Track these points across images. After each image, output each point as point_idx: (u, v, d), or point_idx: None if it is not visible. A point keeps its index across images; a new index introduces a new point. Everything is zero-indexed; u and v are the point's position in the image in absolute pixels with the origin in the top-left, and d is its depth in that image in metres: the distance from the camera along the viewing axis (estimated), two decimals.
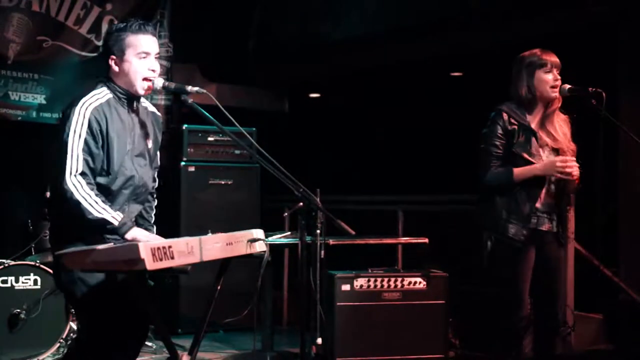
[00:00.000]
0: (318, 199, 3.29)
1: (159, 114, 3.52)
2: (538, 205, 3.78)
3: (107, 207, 3.09)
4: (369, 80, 7.02)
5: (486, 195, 3.84)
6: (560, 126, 3.84)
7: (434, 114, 6.75)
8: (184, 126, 6.10)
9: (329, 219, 3.25)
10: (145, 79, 3.23)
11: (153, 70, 3.24)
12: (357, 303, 4.76)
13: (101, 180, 3.17)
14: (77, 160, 3.09)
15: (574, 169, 3.68)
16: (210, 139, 6.19)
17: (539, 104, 3.80)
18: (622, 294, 5.47)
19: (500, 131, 3.76)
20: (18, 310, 4.72)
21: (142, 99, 3.37)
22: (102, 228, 3.12)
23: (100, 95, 3.20)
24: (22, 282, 4.76)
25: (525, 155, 3.75)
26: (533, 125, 3.79)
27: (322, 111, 7.48)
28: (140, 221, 3.42)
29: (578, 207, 5.44)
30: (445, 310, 4.83)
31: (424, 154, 6.65)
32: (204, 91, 3.23)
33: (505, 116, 3.77)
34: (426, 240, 5.16)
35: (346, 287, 4.76)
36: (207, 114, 3.21)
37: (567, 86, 3.78)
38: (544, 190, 3.78)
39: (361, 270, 4.85)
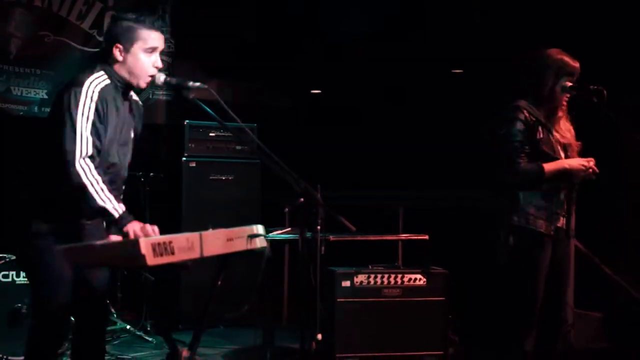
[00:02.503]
0: (319, 195, 3.29)
1: (141, 103, 3.51)
2: (560, 200, 3.78)
3: (111, 197, 3.06)
4: (371, 76, 7.01)
5: (506, 193, 3.79)
6: (565, 123, 3.85)
7: (437, 110, 6.74)
8: (186, 122, 6.11)
9: (330, 215, 3.25)
10: (149, 75, 3.24)
11: (157, 67, 3.25)
12: (357, 299, 4.76)
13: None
14: (87, 143, 3.06)
15: (595, 169, 3.73)
16: (211, 134, 6.19)
17: (551, 103, 3.78)
18: (622, 292, 5.47)
19: (522, 127, 3.70)
20: (19, 305, 4.72)
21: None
22: (97, 214, 3.10)
23: (101, 78, 3.19)
24: (23, 277, 4.76)
25: (549, 151, 3.74)
26: (548, 122, 3.79)
27: (324, 107, 7.47)
28: None
29: (578, 205, 5.44)
30: (445, 307, 4.84)
31: (426, 151, 6.64)
32: (205, 87, 3.23)
33: (525, 112, 3.73)
34: (426, 237, 5.17)
35: (346, 284, 4.76)
36: (208, 109, 3.21)
37: (568, 83, 3.79)
38: (562, 188, 3.77)
39: (361, 266, 4.86)
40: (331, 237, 4.73)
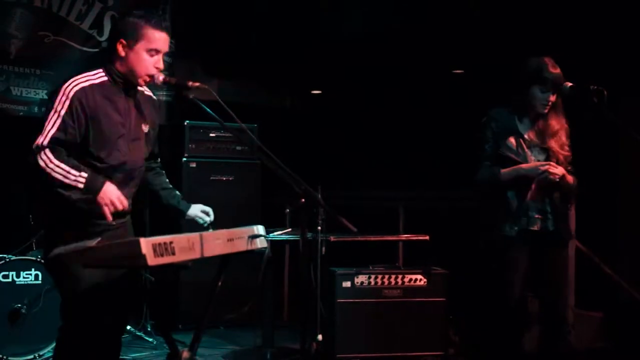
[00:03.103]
0: (319, 196, 3.29)
1: (155, 98, 3.50)
2: (527, 205, 3.82)
3: (69, 169, 3.03)
4: (371, 77, 7.01)
5: (483, 196, 3.94)
6: (556, 133, 3.90)
7: (436, 110, 6.74)
8: (186, 122, 6.10)
9: (330, 216, 3.25)
10: (148, 75, 3.23)
11: (158, 68, 3.24)
12: (357, 300, 4.76)
13: (91, 162, 3.15)
14: (47, 136, 3.06)
15: (556, 172, 3.75)
16: (211, 135, 6.19)
17: (532, 112, 3.88)
18: (623, 292, 5.47)
19: (490, 134, 3.88)
20: (19, 305, 4.72)
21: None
22: (84, 207, 3.09)
23: (94, 77, 3.18)
24: (23, 277, 4.76)
25: (513, 156, 3.83)
26: (521, 128, 3.89)
27: (324, 108, 7.47)
28: (157, 189, 3.54)
29: (578, 206, 5.44)
30: (446, 307, 4.84)
31: (426, 151, 6.64)
32: (205, 87, 3.22)
33: (493, 120, 3.89)
34: (427, 238, 5.16)
35: (347, 284, 4.76)
36: (208, 109, 3.20)
37: (569, 84, 3.79)
38: (532, 191, 3.81)
39: (362, 267, 4.85)
40: (332, 238, 4.73)
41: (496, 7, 5.99)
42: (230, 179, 6.25)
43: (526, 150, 3.86)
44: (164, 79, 3.26)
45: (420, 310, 4.80)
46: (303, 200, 3.24)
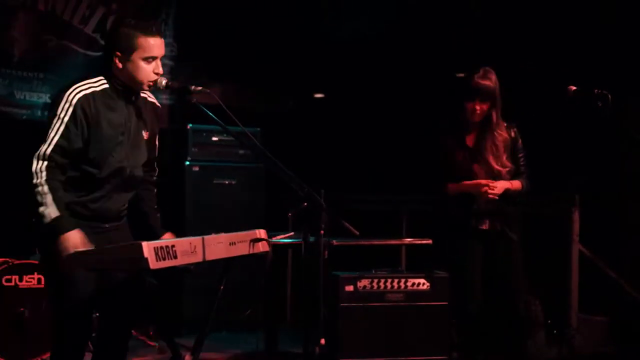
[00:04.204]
0: (322, 200, 3.29)
1: (158, 104, 3.50)
2: (475, 208, 4.26)
3: (51, 202, 3.04)
4: (373, 80, 7.00)
5: (436, 203, 4.48)
6: (495, 145, 4.24)
7: (440, 114, 6.73)
8: (189, 126, 6.10)
9: (333, 219, 3.25)
10: (150, 81, 3.24)
11: (158, 73, 3.24)
12: (360, 304, 4.75)
13: (88, 168, 3.17)
14: (50, 145, 3.08)
15: (495, 192, 4.15)
16: (214, 138, 6.18)
17: (472, 124, 4.23)
18: (627, 296, 5.46)
19: (440, 151, 4.28)
20: (22, 309, 4.72)
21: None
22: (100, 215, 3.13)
23: (95, 84, 3.19)
24: (26, 281, 4.76)
25: (461, 171, 4.22)
26: (470, 143, 4.23)
27: (327, 111, 7.46)
28: (143, 207, 3.47)
29: (582, 210, 5.43)
30: (448, 311, 4.82)
31: (429, 154, 6.62)
32: (208, 91, 3.22)
33: (442, 137, 4.30)
34: (430, 242, 5.15)
35: (349, 288, 4.75)
36: (210, 113, 3.20)
37: (572, 88, 3.78)
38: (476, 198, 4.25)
39: (364, 271, 4.84)
40: (334, 242, 4.72)
41: (498, 9, 5.99)
42: (233, 182, 6.25)
43: (473, 165, 4.23)
44: (166, 84, 3.27)
45: (423, 314, 4.78)
46: (306, 203, 3.24)
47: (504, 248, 4.32)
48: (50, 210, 3.04)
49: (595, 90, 3.71)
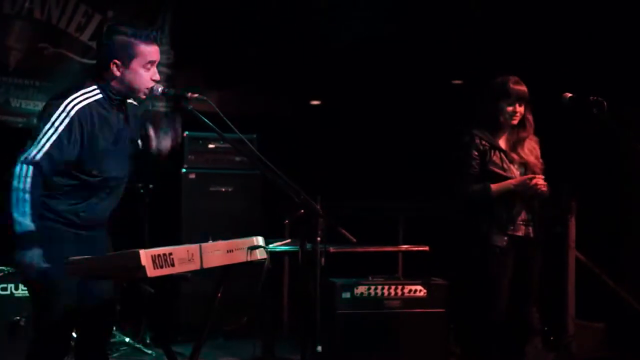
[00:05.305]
0: (319, 206, 3.29)
1: (136, 103, 3.47)
2: (514, 214, 4.14)
3: (28, 212, 3.01)
4: (371, 87, 7.01)
5: (467, 209, 4.23)
6: (530, 146, 4.23)
7: (437, 121, 6.74)
8: (185, 133, 6.09)
9: (330, 226, 3.25)
10: (147, 88, 3.24)
11: (155, 80, 3.25)
12: (357, 311, 4.75)
13: (82, 176, 3.17)
14: (40, 151, 3.06)
15: (541, 184, 4.06)
16: (210, 146, 6.18)
17: (505, 127, 4.18)
18: (624, 302, 5.46)
19: (475, 152, 4.15)
20: (18, 318, 4.70)
21: None
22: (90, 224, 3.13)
23: (91, 94, 3.18)
24: (22, 290, 4.75)
25: (499, 171, 4.12)
26: (502, 145, 4.18)
27: (324, 118, 7.47)
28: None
29: (579, 216, 5.43)
30: (446, 318, 4.82)
31: (427, 161, 6.63)
32: (204, 98, 3.22)
33: (477, 139, 4.16)
34: (427, 248, 5.16)
35: (346, 295, 4.75)
36: (207, 120, 3.20)
37: (568, 95, 3.80)
38: (517, 201, 4.13)
39: (361, 277, 4.84)
40: (331, 249, 4.71)
41: (497, 14, 6.00)
42: (230, 189, 6.24)
43: (510, 165, 4.15)
44: (162, 91, 3.27)
45: (420, 321, 4.78)
46: (302, 211, 3.24)
47: (533, 255, 4.20)
48: (27, 221, 3.01)
49: (591, 98, 3.73)
